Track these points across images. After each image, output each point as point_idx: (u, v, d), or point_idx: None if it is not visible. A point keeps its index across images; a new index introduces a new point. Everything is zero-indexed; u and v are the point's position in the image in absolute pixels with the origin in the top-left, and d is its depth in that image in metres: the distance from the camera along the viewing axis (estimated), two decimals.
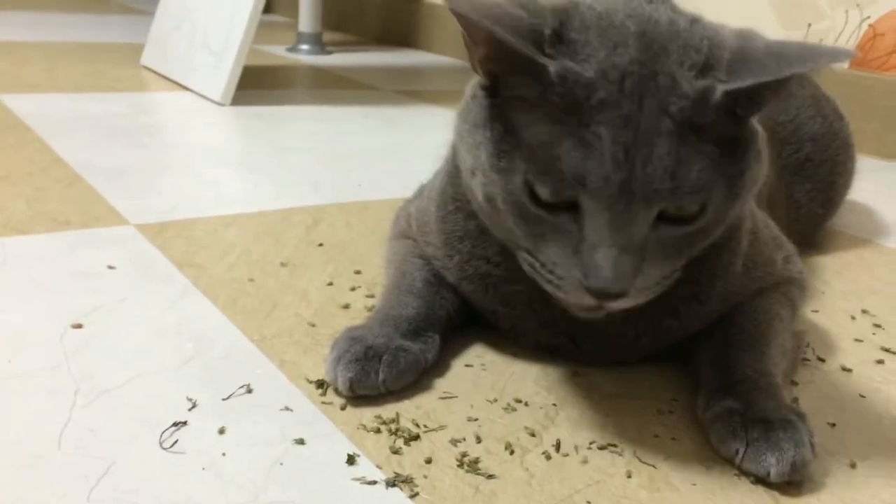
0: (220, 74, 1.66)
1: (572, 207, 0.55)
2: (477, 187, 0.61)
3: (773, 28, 1.87)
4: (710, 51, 0.55)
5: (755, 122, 0.59)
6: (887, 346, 0.81)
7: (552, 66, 0.53)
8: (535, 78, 0.54)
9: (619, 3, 0.57)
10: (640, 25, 0.55)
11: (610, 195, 0.53)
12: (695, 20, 0.58)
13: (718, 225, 0.58)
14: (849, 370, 0.76)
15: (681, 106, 0.53)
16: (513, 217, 0.58)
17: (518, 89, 0.56)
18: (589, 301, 0.56)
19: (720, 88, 0.53)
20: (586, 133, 0.52)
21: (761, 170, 0.59)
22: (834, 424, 0.67)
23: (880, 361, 0.78)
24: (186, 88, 1.78)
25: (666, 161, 0.52)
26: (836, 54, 0.56)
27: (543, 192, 0.55)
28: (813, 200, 1.02)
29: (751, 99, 0.55)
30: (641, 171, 0.52)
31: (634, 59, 0.53)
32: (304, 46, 2.51)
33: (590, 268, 0.54)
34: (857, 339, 0.83)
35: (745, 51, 0.55)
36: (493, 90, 0.59)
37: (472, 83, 0.62)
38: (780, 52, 0.54)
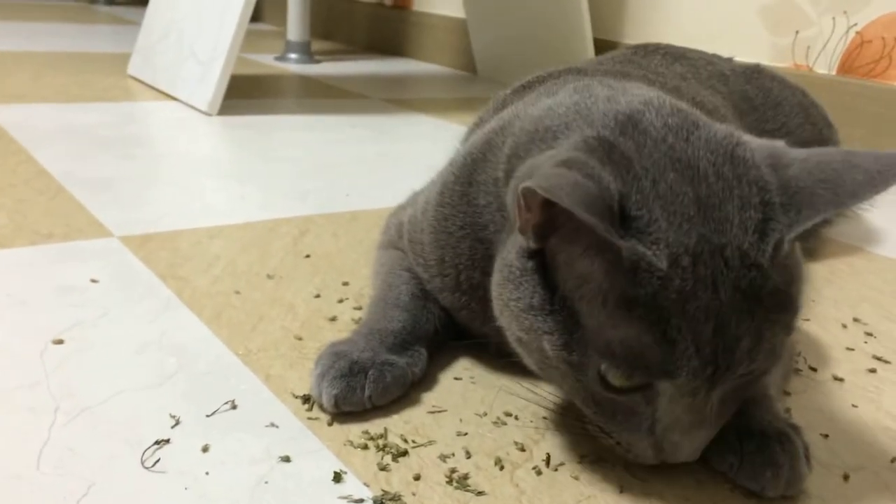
0: (208, 84, 1.64)
1: (644, 387, 0.52)
2: (529, 361, 0.57)
3: (760, 35, 1.88)
4: (760, 197, 0.51)
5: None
6: (879, 355, 0.81)
7: (625, 251, 0.49)
8: (602, 256, 0.50)
9: (658, 149, 0.53)
10: (693, 187, 0.51)
11: (695, 386, 0.50)
12: (732, 145, 0.54)
13: (778, 361, 0.55)
14: (841, 379, 0.76)
15: (751, 278, 0.49)
16: (580, 400, 0.55)
17: (580, 264, 0.52)
18: (658, 462, 0.55)
19: (786, 240, 0.50)
20: (667, 328, 0.49)
21: (802, 283, 0.55)
22: (827, 435, 0.66)
23: (872, 370, 0.78)
24: (173, 98, 1.76)
25: (746, 344, 0.50)
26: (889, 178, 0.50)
27: (619, 380, 0.51)
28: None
29: (808, 231, 0.51)
30: (725, 360, 0.49)
31: (701, 236, 0.49)
32: (293, 55, 2.51)
33: (665, 447, 0.53)
34: (848, 348, 0.82)
35: (789, 184, 0.52)
36: (538, 252, 0.54)
37: (514, 247, 0.56)
38: (834, 180, 0.51)
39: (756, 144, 0.55)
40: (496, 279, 0.58)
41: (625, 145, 0.53)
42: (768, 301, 0.50)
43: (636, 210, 0.50)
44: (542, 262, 0.54)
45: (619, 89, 0.63)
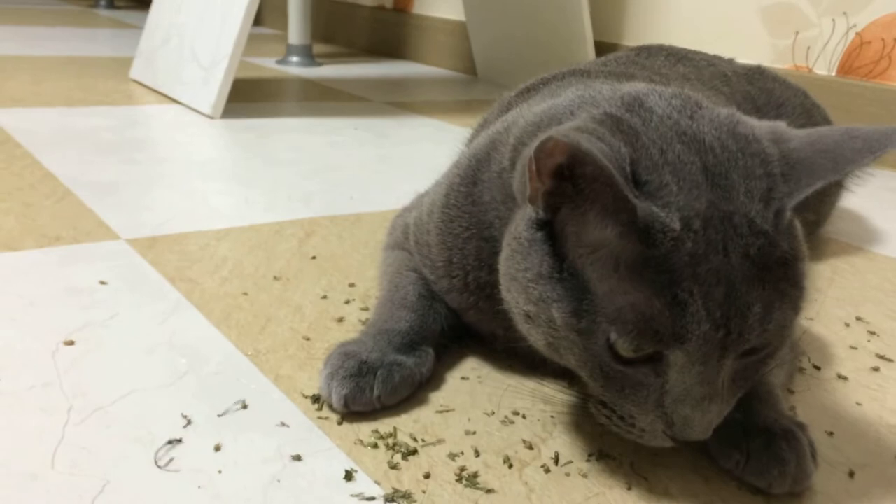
0: (210, 88, 1.65)
1: (654, 358, 0.52)
2: (537, 336, 0.56)
3: (761, 36, 1.88)
4: (763, 168, 0.52)
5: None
6: (882, 354, 0.82)
7: (639, 211, 0.49)
8: (615, 218, 0.50)
9: (664, 123, 0.54)
10: (700, 156, 0.52)
11: (706, 353, 0.50)
12: (734, 123, 0.55)
13: (788, 341, 0.56)
14: (845, 378, 0.76)
15: (759, 245, 0.50)
16: (588, 372, 0.55)
17: (592, 232, 0.52)
18: (669, 444, 0.55)
19: (788, 207, 0.51)
20: (679, 291, 0.49)
21: (805, 262, 0.55)
22: (832, 433, 0.67)
23: (876, 369, 0.78)
24: (176, 102, 1.77)
25: (757, 311, 0.50)
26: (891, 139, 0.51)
27: (627, 350, 0.51)
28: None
29: (804, 203, 0.52)
30: (737, 325, 0.50)
31: (710, 202, 0.50)
32: (294, 58, 2.51)
33: (676, 421, 0.52)
34: (852, 347, 0.83)
35: (790, 156, 0.53)
36: (547, 224, 0.54)
37: (523, 219, 0.57)
38: (833, 150, 0.52)
39: (758, 123, 0.57)
40: (504, 254, 0.59)
41: (631, 120, 0.54)
42: (777, 270, 0.51)
43: (647, 175, 0.51)
44: (550, 233, 0.54)
45: (623, 85, 0.64)
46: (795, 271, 0.52)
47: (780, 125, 0.57)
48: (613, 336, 0.51)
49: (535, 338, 0.57)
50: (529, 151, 0.53)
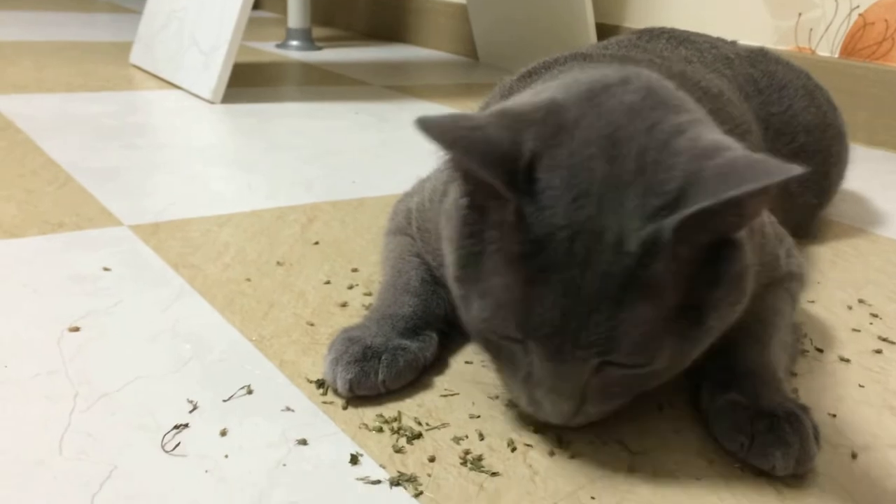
0: (210, 72, 1.65)
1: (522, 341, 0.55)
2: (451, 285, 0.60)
3: (763, 18, 1.87)
4: (669, 185, 0.51)
5: (738, 237, 0.53)
6: (885, 336, 0.82)
7: (512, 204, 0.51)
8: (503, 208, 0.52)
9: (595, 125, 0.54)
10: (607, 166, 0.52)
11: (548, 352, 0.53)
12: (674, 134, 0.53)
13: (675, 367, 0.55)
14: (847, 360, 0.76)
15: (624, 265, 0.50)
16: (473, 335, 0.60)
17: (494, 211, 0.54)
18: (529, 412, 0.59)
19: (668, 228, 0.49)
20: (532, 291, 0.52)
21: (737, 301, 0.55)
22: (834, 415, 0.67)
23: (878, 351, 0.79)
24: (176, 87, 1.77)
25: (602, 327, 0.51)
26: (782, 171, 0.49)
27: (488, 326, 0.56)
28: (807, 190, 1.02)
29: (704, 226, 0.50)
30: (578, 334, 0.51)
31: (589, 216, 0.50)
32: (294, 42, 2.50)
33: (533, 400, 0.57)
34: (854, 329, 0.83)
35: (698, 174, 0.50)
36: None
37: (456, 186, 0.59)
38: (729, 174, 0.49)
39: (703, 136, 0.54)
40: (442, 210, 0.63)
41: (570, 113, 0.55)
42: (643, 294, 0.50)
43: (542, 173, 0.52)
44: (478, 205, 0.56)
45: (614, 69, 0.64)
46: (661, 292, 0.51)
47: (725, 143, 0.54)
48: (482, 312, 0.55)
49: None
50: None
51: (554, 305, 0.51)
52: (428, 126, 0.50)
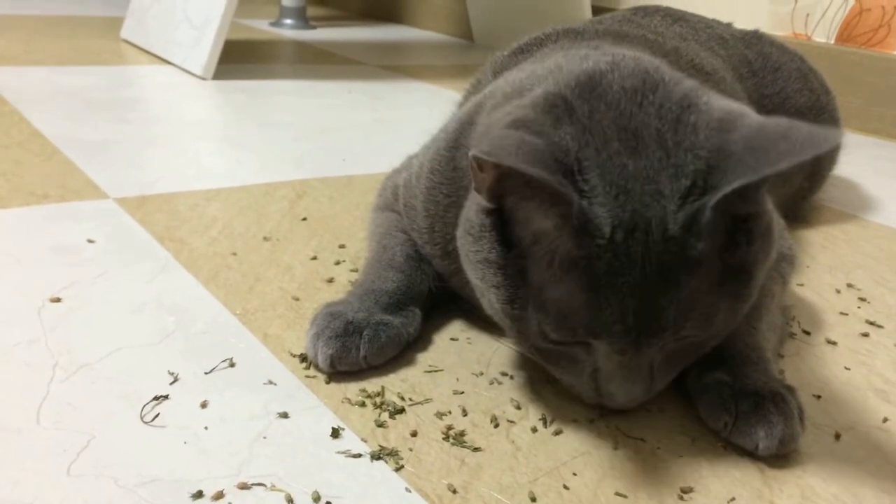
0: (202, 48, 1.63)
1: (582, 341, 0.55)
2: (486, 307, 0.60)
3: (760, 3, 1.86)
4: (694, 165, 0.51)
5: (762, 200, 0.54)
6: (872, 320, 0.82)
7: (575, 207, 0.50)
8: (555, 211, 0.51)
9: (608, 115, 0.54)
10: (633, 160, 0.52)
11: (621, 349, 0.53)
12: (682, 109, 0.54)
13: (730, 326, 0.57)
14: (834, 343, 0.76)
15: (675, 250, 0.51)
16: (526, 349, 0.59)
17: (535, 221, 0.53)
18: (597, 403, 0.60)
19: (707, 207, 0.50)
20: (596, 295, 0.51)
21: (770, 249, 0.56)
22: (819, 396, 0.67)
23: (865, 335, 0.79)
24: (168, 62, 1.75)
25: (670, 314, 0.52)
26: (821, 143, 0.48)
27: (555, 336, 0.55)
28: (799, 174, 1.02)
29: (741, 196, 0.50)
30: (649, 326, 0.52)
31: (634, 211, 0.51)
32: (288, 21, 2.48)
33: (605, 394, 0.57)
34: (842, 313, 0.83)
35: (724, 148, 0.51)
36: (497, 212, 0.55)
37: (474, 203, 0.58)
38: (762, 147, 0.50)
39: (712, 105, 0.55)
40: (459, 232, 0.60)
41: (581, 108, 0.54)
42: (700, 264, 0.51)
43: (586, 173, 0.52)
44: (500, 218, 0.55)
45: (600, 49, 0.64)
46: (709, 264, 0.52)
47: (737, 109, 0.55)
48: (541, 323, 0.54)
49: (486, 308, 0.60)
50: (471, 145, 0.54)
51: (621, 304, 0.51)
52: (484, 152, 0.49)
